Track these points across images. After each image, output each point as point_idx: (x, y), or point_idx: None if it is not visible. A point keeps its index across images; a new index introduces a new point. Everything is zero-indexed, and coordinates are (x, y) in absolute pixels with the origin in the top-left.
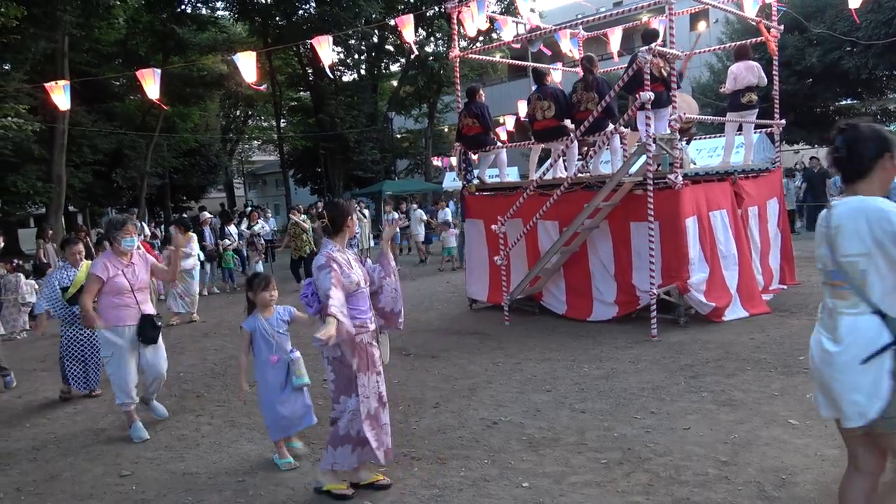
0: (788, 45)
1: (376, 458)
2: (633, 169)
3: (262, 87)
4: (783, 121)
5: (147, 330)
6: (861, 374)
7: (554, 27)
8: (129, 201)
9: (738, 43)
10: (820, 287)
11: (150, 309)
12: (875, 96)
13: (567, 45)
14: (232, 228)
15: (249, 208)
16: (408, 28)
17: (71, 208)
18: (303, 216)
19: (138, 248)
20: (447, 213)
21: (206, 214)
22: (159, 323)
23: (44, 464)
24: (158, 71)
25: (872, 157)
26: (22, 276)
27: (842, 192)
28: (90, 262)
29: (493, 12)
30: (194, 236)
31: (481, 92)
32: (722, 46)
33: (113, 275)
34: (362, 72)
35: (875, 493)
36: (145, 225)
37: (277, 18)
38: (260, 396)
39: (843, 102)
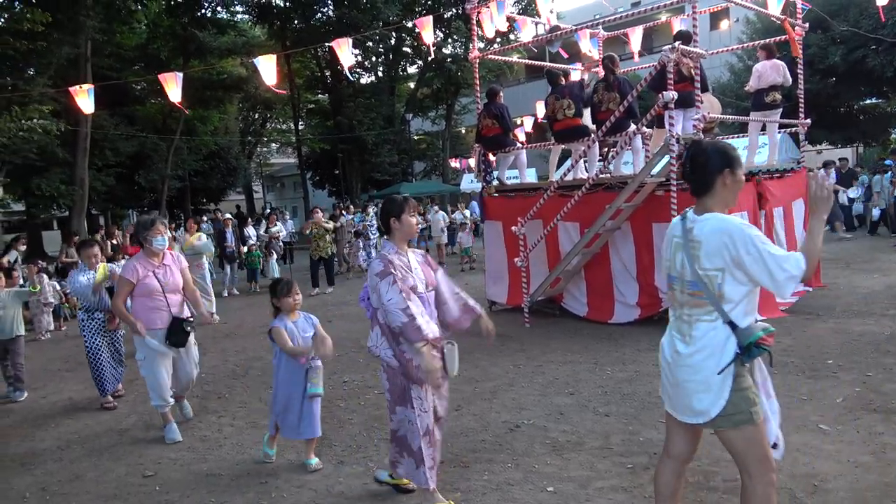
0: (811, 44)
1: (425, 481)
2: (656, 170)
3: (282, 91)
4: (808, 120)
5: (175, 333)
6: (711, 375)
7: (574, 27)
8: (150, 203)
9: (763, 41)
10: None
11: (183, 311)
12: None
13: (587, 46)
14: (250, 230)
15: (268, 211)
16: (427, 30)
17: (93, 211)
18: (321, 216)
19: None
20: (464, 215)
21: (228, 215)
22: (189, 328)
23: (68, 464)
24: (181, 74)
25: (713, 173)
26: (45, 277)
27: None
28: (106, 264)
29: (510, 13)
30: (202, 235)
31: (501, 93)
32: (742, 45)
33: (143, 276)
34: (380, 74)
35: (682, 477)
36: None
37: (296, 22)
38: (274, 396)
39: (868, 102)
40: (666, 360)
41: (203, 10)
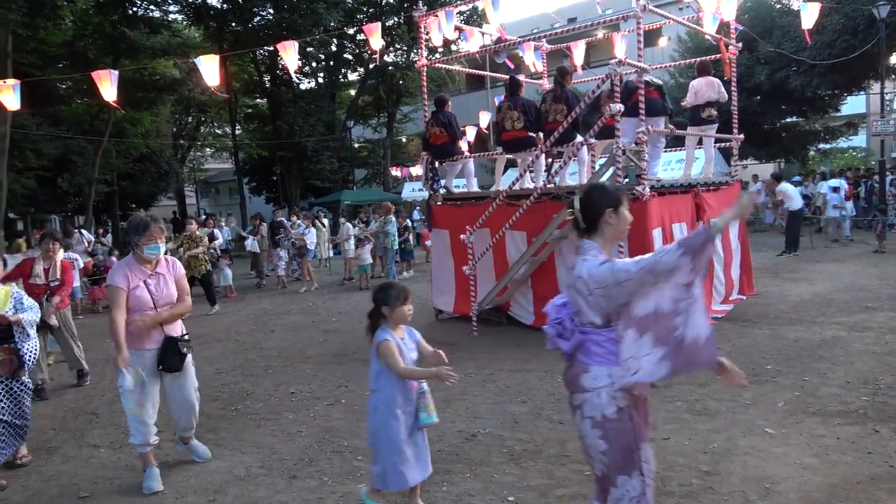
0: (739, 64)
1: None
2: (602, 180)
3: (224, 95)
4: (741, 135)
5: (169, 356)
6: None
7: (519, 39)
8: (74, 208)
9: (699, 59)
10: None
11: (175, 330)
12: (818, 114)
13: (531, 58)
14: None
15: (204, 216)
16: (375, 36)
17: (11, 215)
18: (198, 228)
19: (166, 254)
20: (349, 228)
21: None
22: (185, 349)
23: None
24: (116, 73)
25: None
26: None
27: None
28: (7, 286)
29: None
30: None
31: (449, 101)
32: (677, 63)
33: (134, 286)
34: (320, 80)
35: None
36: (86, 233)
37: (233, 24)
38: (381, 434)
39: (789, 120)
40: None
41: (135, 9)
